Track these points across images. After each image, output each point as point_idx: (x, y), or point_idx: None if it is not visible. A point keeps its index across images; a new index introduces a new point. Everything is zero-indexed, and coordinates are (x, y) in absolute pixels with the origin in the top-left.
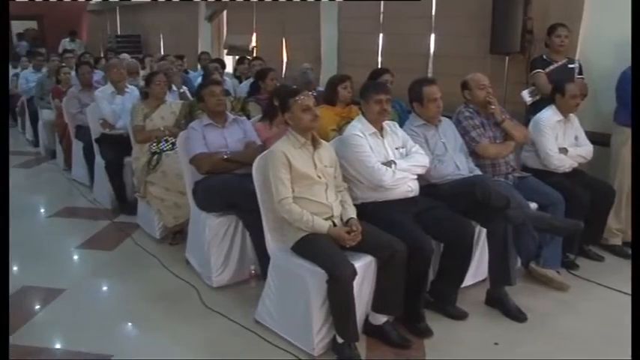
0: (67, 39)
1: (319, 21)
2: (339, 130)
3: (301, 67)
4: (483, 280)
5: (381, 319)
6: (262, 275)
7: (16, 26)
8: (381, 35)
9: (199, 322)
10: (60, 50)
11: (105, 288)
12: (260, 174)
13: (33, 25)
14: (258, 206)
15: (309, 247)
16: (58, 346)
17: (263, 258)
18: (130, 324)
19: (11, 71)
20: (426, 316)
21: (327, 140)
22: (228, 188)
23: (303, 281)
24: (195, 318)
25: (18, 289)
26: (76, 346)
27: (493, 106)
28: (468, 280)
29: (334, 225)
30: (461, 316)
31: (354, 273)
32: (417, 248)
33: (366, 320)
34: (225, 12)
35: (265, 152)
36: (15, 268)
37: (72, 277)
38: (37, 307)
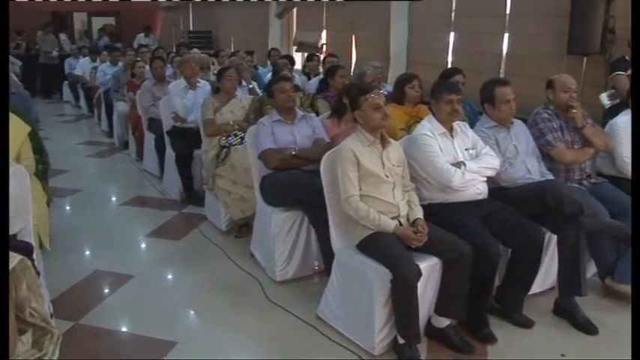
0: (142, 34)
1: (389, 18)
2: (408, 129)
3: (361, 67)
4: (551, 289)
5: (443, 322)
6: (326, 271)
7: (96, 22)
8: (452, 34)
9: (261, 315)
10: (135, 45)
11: (171, 276)
12: (328, 171)
13: (111, 21)
14: (325, 203)
15: (375, 245)
16: (124, 329)
17: (327, 254)
18: (194, 312)
19: (91, 64)
20: (491, 322)
21: (396, 139)
22: (296, 184)
23: (366, 279)
24: (257, 311)
25: (90, 273)
26: (142, 330)
27: (574, 111)
28: (536, 288)
29: (400, 225)
30: (527, 324)
31: (419, 274)
32: (483, 252)
33: (429, 322)
34: (295, 9)
35: (333, 149)
36: (87, 253)
37: (140, 264)
38: (107, 291)
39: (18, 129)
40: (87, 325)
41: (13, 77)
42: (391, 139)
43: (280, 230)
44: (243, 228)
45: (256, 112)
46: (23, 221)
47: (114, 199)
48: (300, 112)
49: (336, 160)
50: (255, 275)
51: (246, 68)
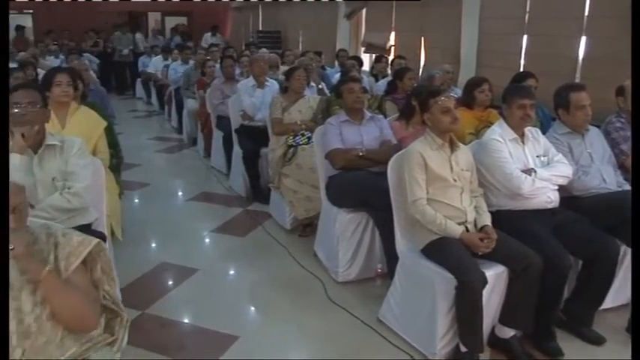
0: (209, 33)
1: (460, 20)
2: (477, 134)
3: (430, 70)
4: (625, 305)
5: (508, 332)
6: (389, 274)
7: (170, 22)
8: (525, 36)
9: (322, 315)
10: (202, 44)
11: (235, 272)
12: (395, 173)
13: (183, 21)
14: (391, 205)
15: (440, 250)
16: (188, 321)
17: (391, 257)
18: (256, 308)
19: (163, 63)
20: (558, 335)
21: (464, 144)
22: (362, 185)
23: (430, 284)
24: (318, 310)
25: (157, 265)
26: (205, 323)
27: None
28: (608, 303)
29: (467, 230)
30: (597, 340)
31: (485, 281)
32: (553, 262)
33: (492, 332)
34: (364, 10)
35: (401, 152)
36: (155, 245)
37: (205, 259)
38: (173, 283)
39: (95, 123)
40: (153, 315)
41: (91, 74)
42: (460, 143)
43: (345, 231)
44: (307, 227)
45: (324, 113)
46: (98, 211)
47: (181, 194)
48: (368, 114)
49: (403, 162)
50: (318, 275)
51: (315, 69)
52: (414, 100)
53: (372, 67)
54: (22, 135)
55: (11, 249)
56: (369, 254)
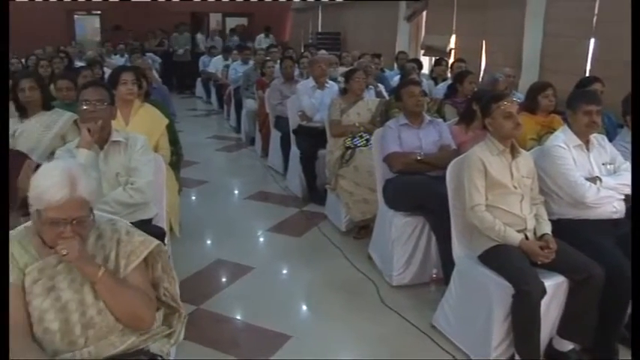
0: (263, 34)
1: (523, 23)
2: (539, 140)
3: (492, 74)
4: None
5: (566, 345)
6: (444, 280)
7: (230, 22)
8: (592, 40)
9: (375, 318)
10: (256, 45)
11: (289, 271)
12: (454, 178)
13: (244, 21)
14: (448, 210)
15: (498, 257)
16: (242, 318)
17: (447, 263)
18: (309, 309)
19: (222, 63)
20: (621, 353)
21: (525, 149)
22: (419, 189)
23: (487, 292)
24: (371, 313)
25: (213, 262)
26: (259, 321)
27: None
28: None
29: (526, 238)
30: None
31: (544, 291)
32: (616, 275)
33: (550, 344)
34: (425, 12)
35: (461, 156)
36: (211, 242)
37: (260, 257)
38: (228, 279)
39: (157, 121)
40: (208, 311)
41: (154, 74)
42: (521, 149)
43: (400, 235)
44: (362, 230)
45: (382, 115)
46: (158, 207)
47: (238, 192)
48: (427, 117)
49: (463, 167)
50: (372, 277)
51: (374, 71)
52: (474, 105)
53: (431, 70)
54: (88, 130)
55: (64, 254)
56: (424, 259)
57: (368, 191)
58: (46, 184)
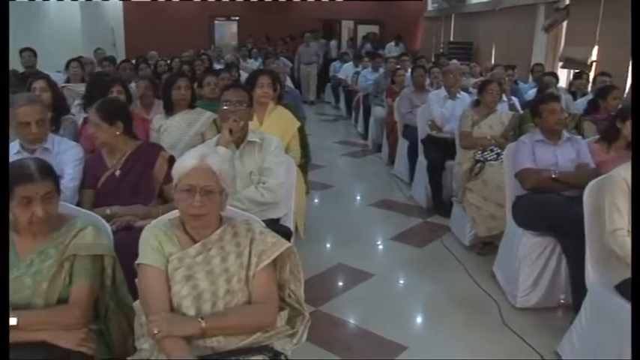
0: (393, 42)
1: None
2: None
3: None
4: None
5: None
6: (573, 307)
7: (362, 30)
8: None
9: (495, 338)
10: (386, 52)
11: (410, 282)
12: (592, 199)
13: (375, 29)
14: (583, 232)
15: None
16: (359, 324)
17: (578, 289)
18: (427, 321)
19: (353, 69)
20: None
21: None
22: (552, 209)
23: (621, 326)
24: (491, 333)
25: (334, 265)
26: (375, 328)
27: None
28: None
29: None
30: None
31: None
32: None
33: None
34: (565, 22)
35: (602, 177)
36: (334, 246)
37: (381, 265)
38: (348, 284)
39: (289, 123)
40: (326, 313)
41: (287, 77)
42: None
43: (528, 255)
44: (487, 246)
45: (515, 130)
46: (287, 207)
47: (363, 198)
48: (565, 134)
49: (603, 188)
50: (494, 296)
51: (507, 83)
52: (619, 123)
53: (569, 84)
54: (230, 131)
55: (155, 333)
56: (552, 282)
57: (496, 207)
58: (182, 160)
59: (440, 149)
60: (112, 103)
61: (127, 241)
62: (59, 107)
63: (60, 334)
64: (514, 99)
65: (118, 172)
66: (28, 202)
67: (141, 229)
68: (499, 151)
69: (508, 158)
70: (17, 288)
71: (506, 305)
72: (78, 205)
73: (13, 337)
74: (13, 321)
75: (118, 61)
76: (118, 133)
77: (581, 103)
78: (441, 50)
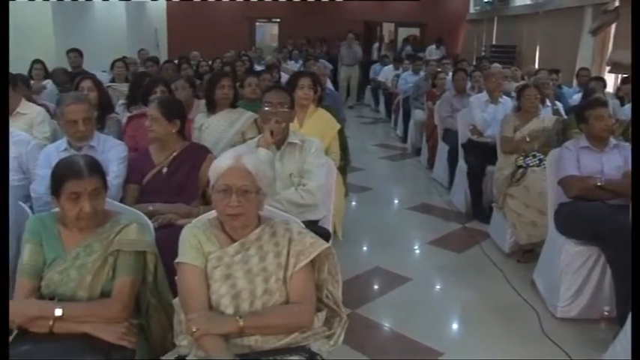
0: (434, 46)
1: None
2: None
3: None
4: None
5: None
6: (617, 320)
7: (403, 32)
8: None
9: (533, 348)
10: (426, 55)
11: (447, 287)
12: None
13: (416, 32)
14: (629, 244)
15: None
16: (394, 328)
17: (622, 301)
18: (463, 328)
19: (393, 72)
20: None
21: None
22: (597, 217)
23: None
24: (529, 342)
25: (371, 268)
26: (410, 333)
27: None
28: None
29: None
30: None
31: None
32: None
33: None
34: (614, 24)
35: None
36: (371, 249)
37: (418, 270)
38: (384, 287)
39: (329, 125)
40: (361, 316)
41: (327, 80)
42: None
43: (570, 264)
44: (527, 253)
45: (559, 135)
46: (326, 209)
47: (401, 202)
48: (612, 141)
49: None
50: (534, 305)
51: (551, 87)
52: None
53: (617, 89)
54: (271, 132)
55: (194, 331)
56: (595, 293)
57: (537, 214)
58: (218, 161)
59: (480, 154)
60: (175, 102)
61: (167, 239)
62: (104, 106)
63: (102, 327)
64: (558, 104)
65: (165, 170)
66: (76, 198)
67: (181, 227)
68: (541, 156)
69: (551, 164)
70: (63, 280)
71: (546, 315)
72: (121, 200)
73: (58, 327)
74: (58, 312)
75: (161, 62)
76: (173, 130)
77: (629, 108)
78: (483, 53)
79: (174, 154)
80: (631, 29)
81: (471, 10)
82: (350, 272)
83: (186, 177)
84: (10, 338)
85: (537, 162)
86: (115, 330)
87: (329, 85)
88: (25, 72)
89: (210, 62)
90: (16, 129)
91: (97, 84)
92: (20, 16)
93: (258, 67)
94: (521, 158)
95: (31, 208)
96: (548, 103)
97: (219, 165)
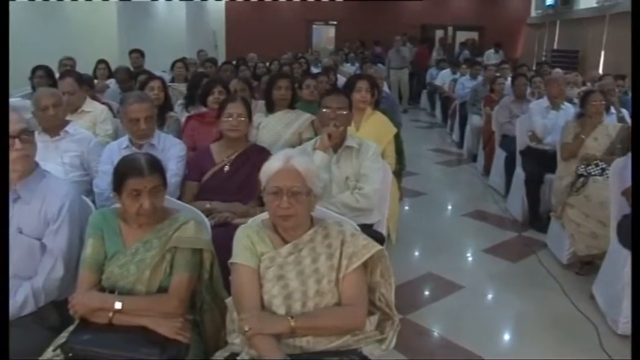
0: (492, 50)
1: None
2: None
3: None
4: None
5: None
6: None
7: (460, 36)
8: None
9: None
10: (485, 60)
11: (501, 297)
12: None
13: (474, 35)
14: None
15: None
16: (444, 334)
17: None
18: (517, 339)
19: (451, 76)
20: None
21: None
22: None
23: None
24: (587, 357)
25: (424, 274)
26: (461, 342)
27: None
28: None
29: None
30: None
31: None
32: None
33: None
34: None
35: None
36: (424, 254)
37: (472, 277)
38: (437, 294)
39: (386, 129)
40: (412, 322)
41: (384, 83)
42: None
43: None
44: (586, 265)
45: (624, 143)
46: (380, 214)
47: (456, 208)
48: None
49: None
50: (593, 319)
51: (616, 94)
52: None
53: None
54: (329, 135)
55: (246, 330)
56: None
57: (598, 225)
58: (269, 163)
59: (539, 162)
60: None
61: (223, 237)
62: (165, 105)
63: (159, 321)
64: (624, 111)
65: (226, 168)
66: (137, 195)
67: (237, 226)
68: (604, 165)
69: (615, 174)
70: (123, 274)
71: (606, 330)
72: (179, 198)
73: (117, 319)
74: (118, 305)
75: (219, 63)
76: (247, 130)
77: None
78: (544, 58)
79: (237, 153)
80: (631, 29)
81: (532, 13)
82: (402, 277)
83: (246, 177)
84: (72, 327)
85: (599, 171)
86: (171, 325)
87: (385, 88)
88: (89, 72)
89: (267, 64)
90: (80, 126)
91: (164, 85)
92: (87, 18)
93: (314, 70)
94: (583, 167)
95: (93, 202)
96: (612, 110)
97: (270, 167)
